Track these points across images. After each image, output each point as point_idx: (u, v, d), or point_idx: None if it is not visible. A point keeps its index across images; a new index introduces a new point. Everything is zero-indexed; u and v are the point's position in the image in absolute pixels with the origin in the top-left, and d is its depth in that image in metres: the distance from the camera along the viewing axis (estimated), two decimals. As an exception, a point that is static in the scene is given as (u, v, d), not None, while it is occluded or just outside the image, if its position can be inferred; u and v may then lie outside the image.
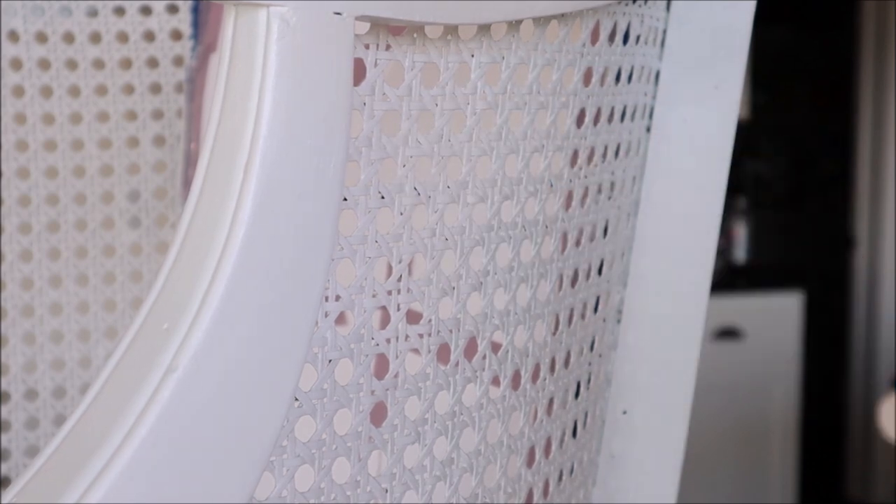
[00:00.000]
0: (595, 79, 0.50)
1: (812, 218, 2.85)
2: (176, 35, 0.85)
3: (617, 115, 0.53)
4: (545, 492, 0.52)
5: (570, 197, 0.50)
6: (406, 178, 0.40)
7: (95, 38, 0.84)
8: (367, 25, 0.37)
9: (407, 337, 0.41)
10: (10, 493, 0.33)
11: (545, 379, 0.50)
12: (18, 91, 0.83)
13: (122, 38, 0.85)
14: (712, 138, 0.57)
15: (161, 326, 0.34)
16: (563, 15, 0.46)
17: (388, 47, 0.38)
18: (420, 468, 0.43)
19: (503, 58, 0.43)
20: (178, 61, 0.85)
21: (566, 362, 0.52)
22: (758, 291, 2.67)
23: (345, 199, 0.37)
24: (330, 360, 0.38)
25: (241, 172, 0.34)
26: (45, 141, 0.84)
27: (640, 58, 0.54)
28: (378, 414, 0.40)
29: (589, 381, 0.55)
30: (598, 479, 0.60)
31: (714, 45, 0.56)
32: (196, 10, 0.85)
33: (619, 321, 0.59)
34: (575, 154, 0.49)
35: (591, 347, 0.55)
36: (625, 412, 0.59)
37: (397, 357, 0.41)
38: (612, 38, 0.50)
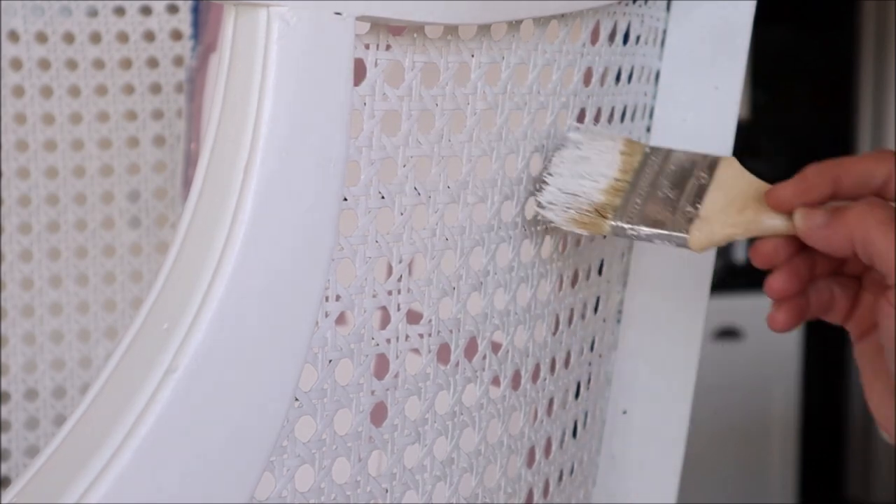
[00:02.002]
0: (595, 79, 0.50)
1: (812, 218, 2.84)
2: (176, 35, 0.85)
3: (617, 115, 0.53)
4: (545, 492, 0.52)
5: (570, 197, 0.50)
6: (406, 178, 0.40)
7: (95, 38, 0.84)
8: (367, 25, 0.37)
9: (407, 337, 0.41)
10: (10, 493, 0.33)
11: (545, 379, 0.50)
12: (18, 91, 0.83)
13: (122, 38, 0.85)
14: (712, 138, 0.57)
15: (161, 326, 0.34)
16: (563, 15, 0.46)
17: (388, 47, 0.38)
18: (420, 468, 0.43)
19: (503, 58, 0.43)
20: (178, 61, 0.85)
21: (566, 362, 0.52)
22: (758, 291, 2.65)
23: (345, 199, 0.37)
24: (330, 360, 0.38)
25: (241, 172, 0.34)
26: (45, 141, 0.84)
27: (640, 58, 0.54)
28: (378, 414, 0.40)
29: (589, 381, 0.55)
30: (598, 479, 0.60)
31: (714, 45, 0.56)
32: (196, 10, 0.85)
33: (619, 321, 0.59)
34: (575, 154, 0.49)
35: (591, 347, 0.55)
36: (625, 412, 0.59)
37: (397, 357, 0.41)
38: (612, 38, 0.50)
